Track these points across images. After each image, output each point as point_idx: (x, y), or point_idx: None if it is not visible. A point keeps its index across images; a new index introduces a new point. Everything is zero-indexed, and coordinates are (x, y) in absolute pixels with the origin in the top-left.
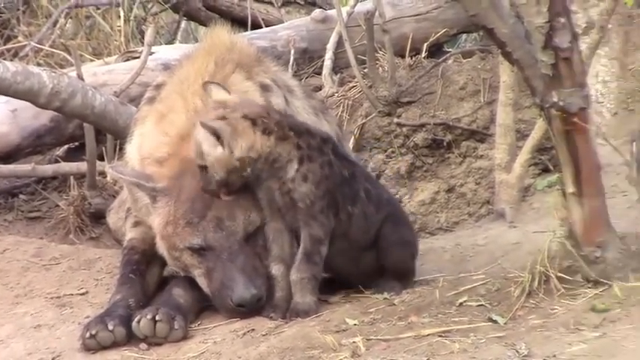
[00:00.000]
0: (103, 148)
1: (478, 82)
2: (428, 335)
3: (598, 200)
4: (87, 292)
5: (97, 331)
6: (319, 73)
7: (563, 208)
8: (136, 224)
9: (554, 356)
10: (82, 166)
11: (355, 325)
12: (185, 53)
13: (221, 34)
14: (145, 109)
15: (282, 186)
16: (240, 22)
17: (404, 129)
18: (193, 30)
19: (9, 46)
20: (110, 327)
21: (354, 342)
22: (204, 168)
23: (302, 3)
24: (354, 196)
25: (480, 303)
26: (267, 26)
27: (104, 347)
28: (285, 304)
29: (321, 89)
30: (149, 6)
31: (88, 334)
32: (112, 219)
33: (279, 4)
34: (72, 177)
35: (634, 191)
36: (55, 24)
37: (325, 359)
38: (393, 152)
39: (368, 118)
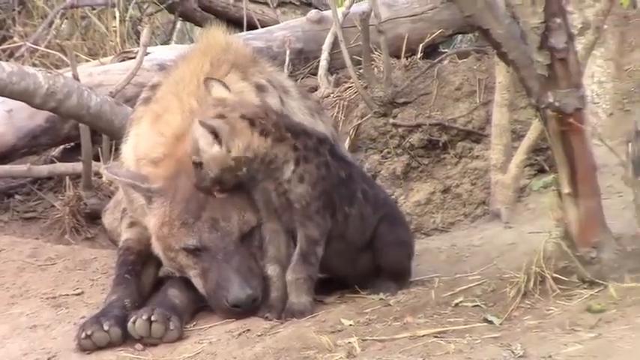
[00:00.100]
0: (99, 149)
1: (474, 83)
2: (423, 336)
3: (594, 201)
4: (82, 293)
5: (93, 332)
6: (315, 74)
7: (558, 208)
8: (132, 225)
9: (550, 357)
10: (77, 166)
11: (351, 325)
12: (181, 54)
13: (217, 34)
14: (141, 110)
15: (278, 187)
16: (235, 23)
17: (399, 129)
18: (189, 30)
19: (4, 46)
20: (106, 327)
21: (349, 342)
22: (198, 165)
23: (297, 4)
24: (351, 196)
25: (476, 303)
26: (262, 27)
27: (100, 347)
28: (281, 304)
29: (316, 90)
30: (145, 6)
31: (83, 335)
32: (108, 219)
33: (275, 5)
34: (67, 177)
35: (630, 192)
36: (50, 24)
37: (321, 359)
38: (388, 153)
39: (364, 119)
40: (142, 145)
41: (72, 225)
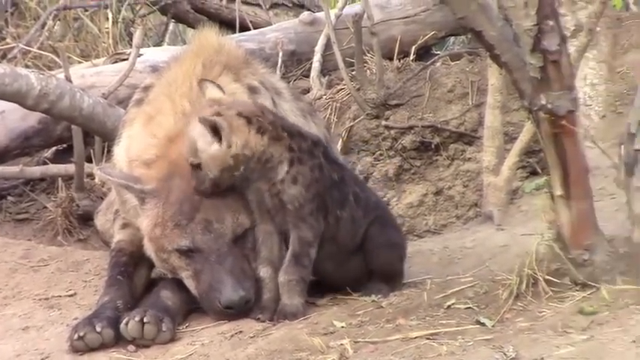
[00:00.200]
0: (91, 150)
1: (466, 85)
2: (416, 338)
3: (586, 203)
4: (75, 294)
5: (85, 333)
6: (307, 76)
7: (551, 210)
8: (124, 226)
9: (542, 359)
10: (70, 167)
11: (343, 327)
12: (173, 55)
13: (209, 36)
14: (133, 111)
15: (271, 187)
16: (228, 25)
17: (392, 131)
18: (181, 32)
19: None
20: (98, 329)
21: (341, 344)
22: (197, 167)
23: (290, 5)
24: (343, 199)
25: (468, 305)
26: (255, 28)
27: (92, 349)
28: (273, 305)
29: (309, 92)
30: (137, 8)
31: (76, 336)
32: (100, 221)
33: (268, 7)
34: (60, 179)
35: (622, 194)
36: (43, 26)
37: None
38: (381, 155)
39: (356, 121)
40: (134, 146)
41: (64, 226)
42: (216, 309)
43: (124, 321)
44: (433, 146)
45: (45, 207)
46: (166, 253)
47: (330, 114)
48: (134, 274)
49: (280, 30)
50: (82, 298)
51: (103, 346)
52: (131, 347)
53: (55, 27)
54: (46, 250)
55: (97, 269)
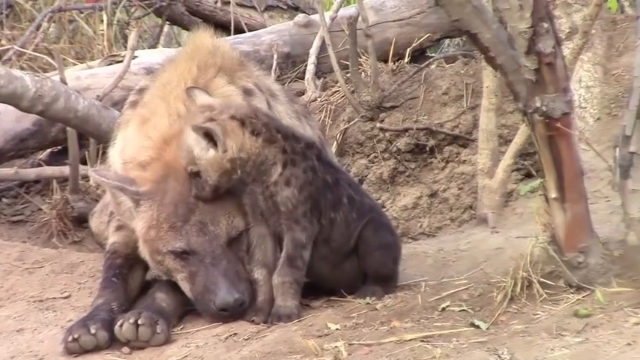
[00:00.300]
0: (86, 152)
1: (461, 87)
2: (410, 340)
3: (581, 205)
4: (70, 296)
5: (80, 335)
6: (302, 78)
7: (545, 213)
8: (119, 228)
9: None
10: (64, 169)
11: (337, 329)
12: (168, 57)
13: (204, 38)
14: (128, 113)
15: (265, 190)
16: (223, 27)
17: (386, 134)
18: (176, 34)
19: None
20: (93, 331)
21: (336, 347)
22: (195, 174)
23: (285, 8)
24: (337, 202)
25: (463, 308)
26: (250, 31)
27: (87, 351)
28: (268, 307)
29: (303, 94)
30: (132, 10)
31: (70, 338)
32: (95, 223)
33: (262, 9)
34: (55, 181)
35: (617, 197)
36: (38, 28)
37: None
38: (375, 157)
39: (351, 123)
40: (129, 148)
41: (59, 228)
42: (211, 311)
43: (119, 323)
44: (428, 149)
45: (40, 209)
46: (161, 255)
47: (325, 116)
48: (129, 276)
49: (275, 32)
50: (77, 300)
51: (97, 348)
52: (125, 349)
53: (50, 29)
54: (41, 252)
55: (91, 271)
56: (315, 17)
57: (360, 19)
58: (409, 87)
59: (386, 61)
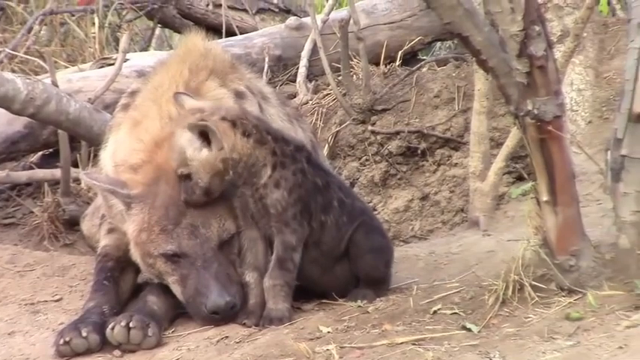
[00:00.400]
0: (78, 155)
1: (452, 90)
2: (402, 343)
3: (572, 209)
4: (61, 299)
5: (71, 338)
6: (294, 81)
7: (537, 216)
8: (111, 231)
9: None
10: (56, 172)
11: (329, 332)
12: (159, 60)
13: (195, 41)
14: (120, 116)
15: (254, 192)
16: (214, 30)
17: (378, 137)
18: (168, 37)
19: None
20: (84, 334)
21: (327, 350)
22: (186, 177)
23: (277, 10)
24: (328, 205)
25: (454, 311)
26: (241, 34)
27: (78, 354)
28: (259, 310)
29: (295, 97)
30: (124, 13)
31: (61, 341)
32: (86, 226)
33: (254, 12)
34: (46, 183)
35: (608, 200)
36: (29, 31)
37: None
38: (367, 160)
39: (342, 126)
40: (120, 151)
41: (50, 231)
42: (202, 314)
43: (110, 326)
44: (419, 151)
45: (31, 212)
46: (152, 258)
47: (317, 119)
48: (120, 279)
49: (267, 35)
50: (68, 303)
51: (88, 351)
52: (117, 352)
53: (42, 32)
54: (32, 255)
55: (83, 274)
56: (307, 20)
57: (351, 21)
58: (401, 90)
59: (377, 64)
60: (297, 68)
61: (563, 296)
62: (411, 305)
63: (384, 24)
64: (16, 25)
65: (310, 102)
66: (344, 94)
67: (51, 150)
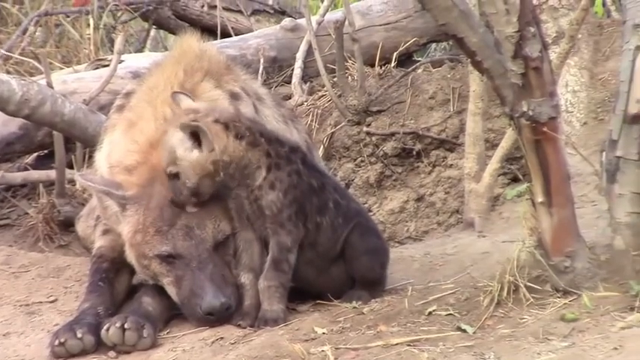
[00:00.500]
0: (73, 156)
1: (448, 92)
2: (397, 344)
3: (567, 210)
4: (56, 300)
5: (66, 339)
6: (289, 82)
7: (532, 217)
8: (106, 232)
9: None
10: (51, 173)
11: (324, 333)
12: (154, 61)
13: (190, 42)
14: (115, 117)
15: (250, 194)
16: (209, 31)
17: (373, 138)
18: (163, 38)
19: None
20: (79, 335)
21: (322, 351)
22: (174, 176)
23: (272, 12)
24: (323, 206)
25: (449, 312)
26: (236, 35)
27: (73, 355)
28: (254, 312)
29: (290, 98)
30: (119, 14)
31: (57, 342)
32: (81, 227)
33: (249, 13)
34: (41, 185)
35: (603, 201)
36: (24, 32)
37: None
38: (362, 161)
39: (337, 127)
40: (115, 152)
41: (45, 232)
42: (197, 315)
43: (105, 327)
44: (414, 153)
45: (26, 213)
46: (147, 260)
47: (312, 120)
48: (115, 281)
49: (262, 36)
50: (63, 304)
51: (83, 353)
52: (112, 353)
53: (37, 33)
54: (27, 256)
55: (78, 275)
56: (302, 21)
57: (346, 23)
58: (396, 91)
59: (372, 65)
60: (292, 69)
61: (558, 297)
62: (406, 306)
63: (380, 25)
64: (11, 26)
65: (305, 103)
66: (339, 96)
67: (46, 151)
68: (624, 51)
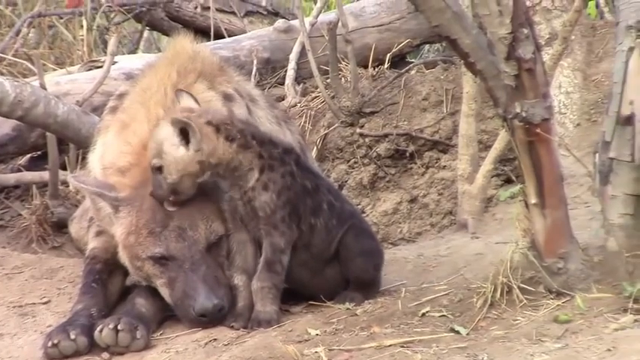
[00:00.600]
0: (66, 158)
1: (441, 93)
2: (390, 346)
3: (560, 211)
4: (49, 301)
5: (59, 341)
6: (282, 83)
7: (525, 219)
8: (99, 234)
9: None
10: (44, 175)
11: (317, 335)
12: (148, 63)
13: (184, 43)
14: (108, 119)
15: (243, 195)
16: (203, 32)
17: (366, 139)
18: (156, 40)
19: None
20: (72, 336)
21: (316, 352)
22: (158, 169)
23: (265, 13)
24: (317, 207)
25: (443, 313)
26: (230, 36)
27: (66, 356)
28: (248, 313)
29: (283, 99)
30: (112, 15)
31: (50, 344)
32: (75, 228)
33: (242, 14)
34: (34, 186)
35: (596, 202)
36: (17, 33)
37: None
38: (355, 162)
39: (330, 129)
40: (108, 154)
41: (39, 234)
42: (191, 317)
43: (98, 328)
44: (408, 154)
45: (19, 214)
46: (140, 261)
47: (305, 122)
48: (108, 282)
49: (255, 38)
50: (57, 305)
51: (77, 354)
52: (105, 355)
53: (30, 34)
54: (20, 258)
55: (71, 277)
56: (295, 23)
57: (339, 24)
58: (389, 92)
59: (366, 66)
60: (286, 71)
61: (552, 299)
62: (400, 308)
63: (373, 27)
64: (4, 27)
65: (299, 104)
66: (332, 97)
67: (39, 152)
68: (617, 52)
